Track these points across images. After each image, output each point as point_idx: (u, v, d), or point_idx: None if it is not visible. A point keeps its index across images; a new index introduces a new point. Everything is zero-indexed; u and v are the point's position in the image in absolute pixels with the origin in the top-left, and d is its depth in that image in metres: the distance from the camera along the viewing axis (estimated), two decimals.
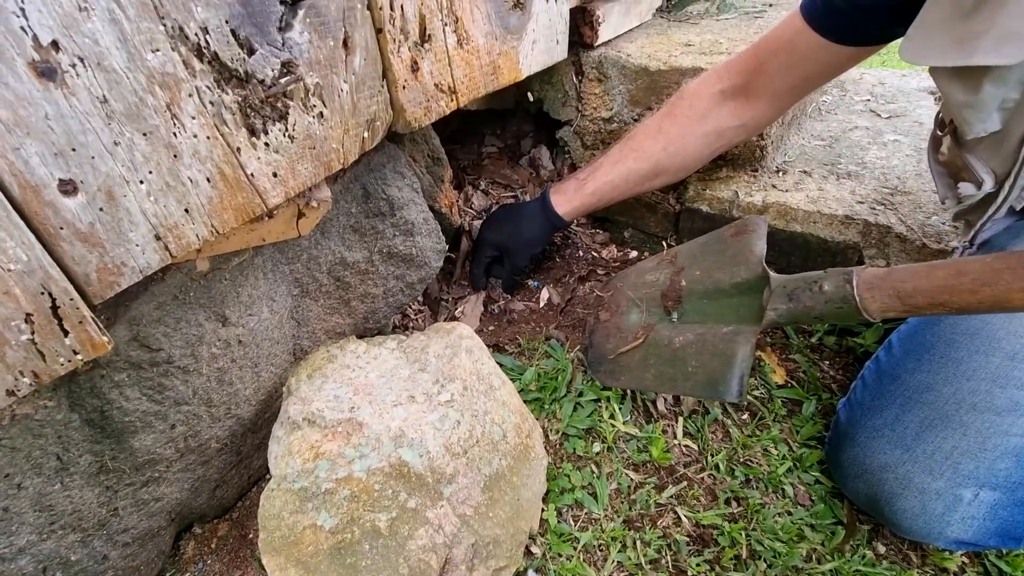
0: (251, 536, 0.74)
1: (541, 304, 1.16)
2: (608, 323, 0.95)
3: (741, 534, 0.75)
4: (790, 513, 0.79)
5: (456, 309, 1.11)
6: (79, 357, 0.42)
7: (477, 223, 1.23)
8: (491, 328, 1.08)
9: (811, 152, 1.28)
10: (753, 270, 0.74)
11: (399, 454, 0.62)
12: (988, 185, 0.71)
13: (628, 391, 0.92)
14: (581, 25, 1.15)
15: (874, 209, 1.04)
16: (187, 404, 0.62)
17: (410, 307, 1.06)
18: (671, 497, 0.79)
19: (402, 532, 0.58)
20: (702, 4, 1.58)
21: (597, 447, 0.85)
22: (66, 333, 0.40)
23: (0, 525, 0.49)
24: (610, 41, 1.25)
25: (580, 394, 0.92)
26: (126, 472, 0.59)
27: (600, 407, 0.90)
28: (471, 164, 1.38)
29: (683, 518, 0.77)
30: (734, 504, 0.80)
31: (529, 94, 1.30)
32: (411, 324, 1.06)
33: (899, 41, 0.68)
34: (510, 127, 1.48)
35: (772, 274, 0.70)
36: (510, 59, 0.81)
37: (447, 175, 1.14)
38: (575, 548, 0.72)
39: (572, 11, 1.08)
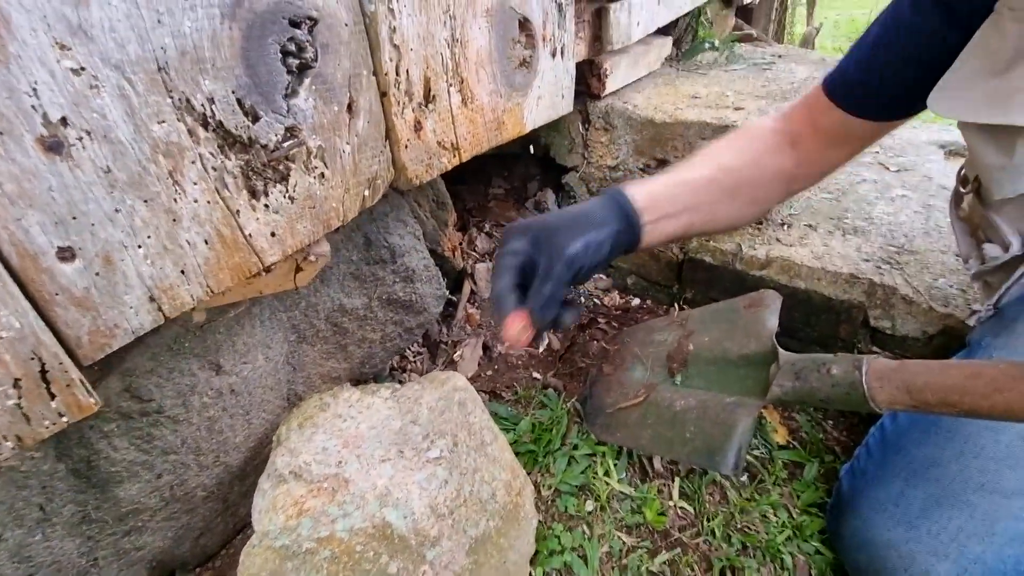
0: None
1: (540, 349, 1.15)
2: (610, 377, 0.94)
3: None
4: None
5: (455, 353, 1.11)
6: (64, 419, 0.42)
7: (480, 266, 1.24)
8: (488, 373, 1.08)
9: (817, 205, 1.28)
10: (763, 344, 0.73)
11: (383, 514, 0.61)
12: (1016, 248, 0.68)
13: (625, 449, 0.91)
14: (589, 77, 1.18)
15: (880, 268, 1.03)
16: (175, 453, 0.62)
17: (408, 349, 1.06)
18: (664, 563, 0.77)
19: None
20: (711, 55, 1.62)
21: (590, 506, 0.83)
22: (53, 397, 0.41)
23: None
24: (618, 91, 1.27)
25: (575, 447, 0.91)
26: (109, 522, 0.59)
27: (595, 462, 0.89)
28: (477, 206, 1.39)
29: None
30: (729, 574, 0.77)
31: (531, 147, 1.32)
32: (409, 366, 1.06)
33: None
34: (517, 170, 1.50)
35: (781, 351, 0.69)
36: (514, 115, 0.83)
37: (451, 219, 1.15)
38: None
39: (580, 64, 1.11)
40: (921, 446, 0.73)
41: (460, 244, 1.20)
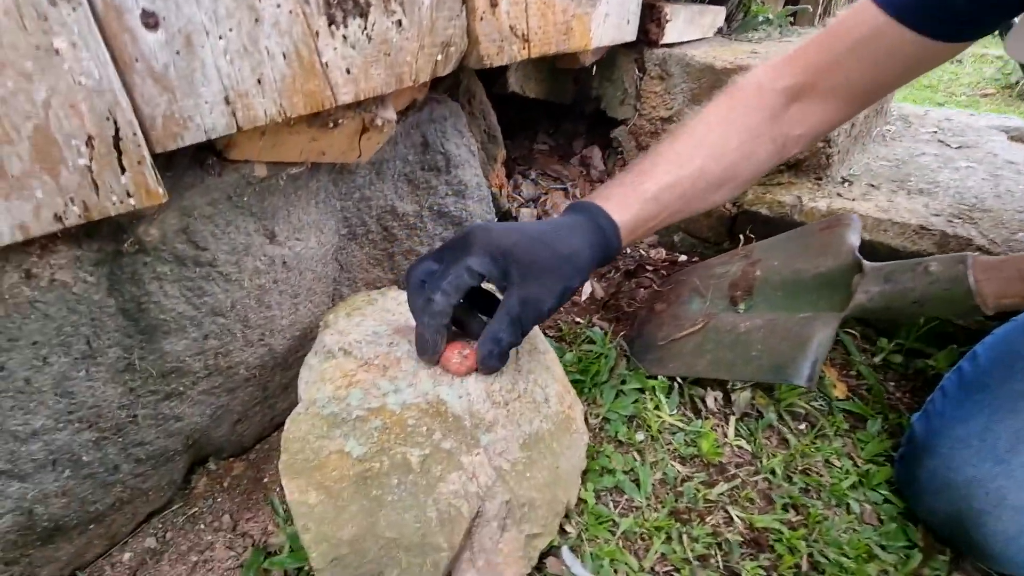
0: (266, 480, 0.69)
1: (583, 298, 1.11)
2: (663, 313, 0.90)
3: (801, 543, 0.66)
4: (856, 530, 0.70)
5: None
6: (132, 201, 0.40)
7: (524, 211, 1.21)
8: None
9: (877, 170, 1.23)
10: (843, 259, 0.68)
11: (437, 392, 0.57)
12: None
13: (676, 384, 0.86)
14: (648, 22, 1.16)
15: (951, 222, 0.97)
16: (223, 316, 0.59)
17: None
18: (722, 495, 0.71)
19: (434, 472, 0.52)
20: (763, 31, 1.58)
21: (640, 435, 0.78)
22: (123, 170, 0.38)
23: (20, 398, 0.46)
24: (673, 45, 1.24)
25: (623, 381, 0.86)
26: (152, 376, 0.56)
27: (644, 397, 0.84)
28: (522, 156, 1.37)
29: (735, 518, 0.69)
30: (792, 511, 0.71)
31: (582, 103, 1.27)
32: None
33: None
34: (563, 126, 1.47)
35: (866, 262, 0.65)
36: (583, 24, 0.80)
37: (500, 155, 1.13)
38: (613, 533, 0.65)
39: (641, 4, 1.09)
40: (1007, 382, 0.67)
41: (506, 185, 1.17)
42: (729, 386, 0.89)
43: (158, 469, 0.62)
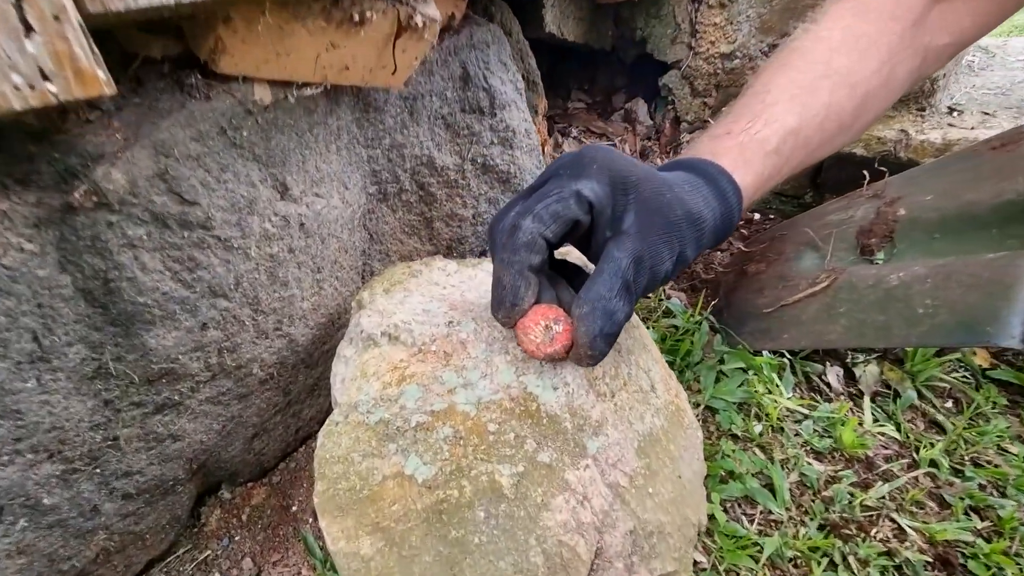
0: (295, 509, 0.54)
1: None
2: (761, 275, 0.73)
3: (1008, 560, 0.50)
4: None
5: None
6: (51, 88, 0.24)
7: None
8: None
9: (982, 98, 1.04)
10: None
11: (524, 384, 0.41)
12: None
13: (787, 361, 0.69)
14: None
15: None
16: (226, 298, 0.44)
17: None
18: (882, 499, 0.55)
19: (532, 497, 0.37)
20: None
21: (758, 426, 0.62)
22: (28, 29, 0.23)
23: None
24: None
25: (721, 361, 0.70)
26: (134, 383, 0.41)
27: (751, 379, 0.67)
28: (557, 115, 1.20)
29: (907, 529, 0.53)
30: (976, 517, 0.55)
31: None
32: None
33: None
34: (600, 81, 1.30)
35: None
36: None
37: (542, 105, 0.97)
38: (756, 559, 0.49)
39: None
40: None
41: (547, 142, 1.01)
42: (849, 359, 0.72)
43: (155, 505, 0.47)
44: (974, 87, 1.11)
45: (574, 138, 1.11)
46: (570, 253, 0.54)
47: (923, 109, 0.95)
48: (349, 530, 0.34)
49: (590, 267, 0.45)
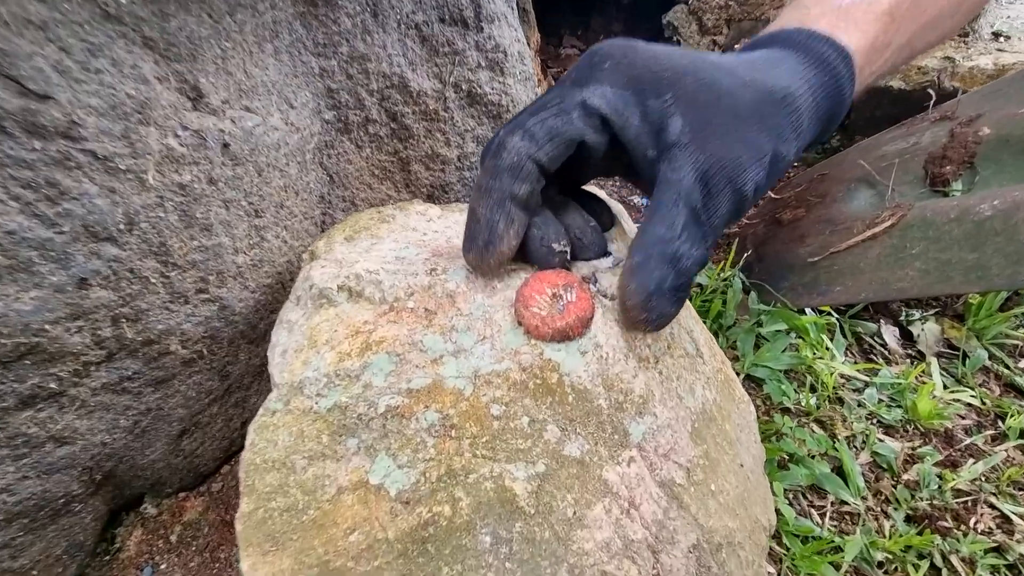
0: None
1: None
2: (800, 221, 0.62)
3: None
4: None
5: None
6: None
7: None
8: None
9: (1021, 27, 0.94)
10: None
11: (538, 347, 0.29)
12: None
13: (837, 319, 0.59)
14: None
15: None
16: (114, 243, 0.31)
17: None
18: (976, 480, 0.45)
19: (560, 508, 0.25)
20: None
21: (812, 397, 0.51)
22: None
23: None
24: None
25: (758, 323, 0.59)
26: None
27: (796, 342, 0.57)
28: (549, 60, 1.07)
29: (1012, 516, 0.43)
30: None
31: None
32: None
33: None
34: (594, 27, 1.17)
35: None
36: None
37: (534, 38, 0.84)
38: (838, 567, 0.38)
39: None
40: None
41: (542, 82, 0.88)
42: (904, 317, 0.62)
43: (40, 532, 0.35)
44: (1012, 16, 1.00)
45: None
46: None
47: (966, 35, 0.84)
48: (284, 574, 0.23)
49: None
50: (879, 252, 0.52)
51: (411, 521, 0.23)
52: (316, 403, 0.28)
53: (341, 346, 0.30)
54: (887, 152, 0.59)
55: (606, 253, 0.36)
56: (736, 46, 0.97)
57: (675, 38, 1.03)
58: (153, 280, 0.34)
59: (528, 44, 0.81)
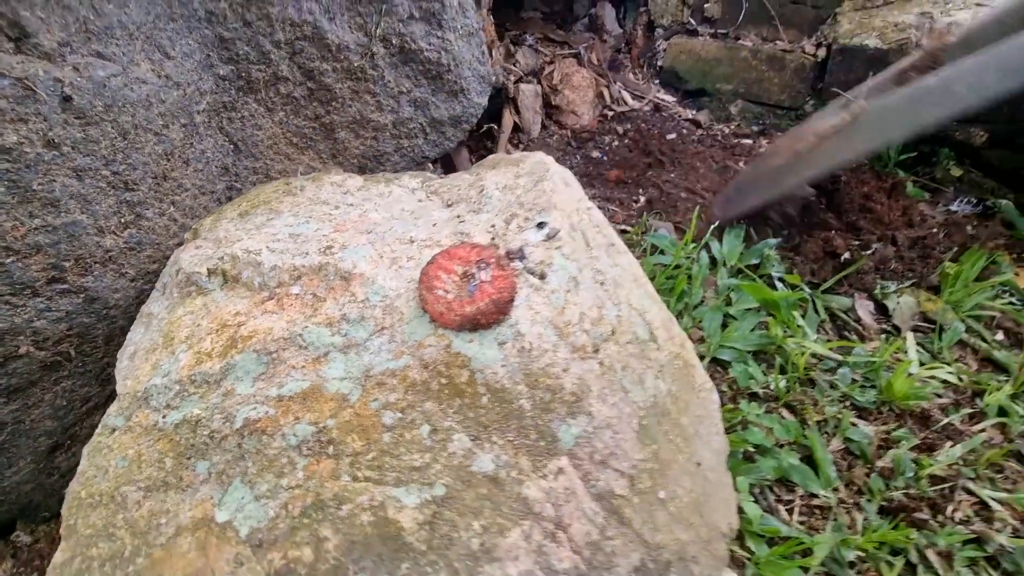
0: None
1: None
2: (778, 145, 0.59)
3: None
4: None
5: None
6: None
7: (526, 88, 0.86)
8: None
9: None
10: None
11: (446, 338, 0.24)
12: None
13: (809, 294, 0.55)
14: None
15: None
16: None
17: (431, 169, 0.69)
18: (953, 465, 0.41)
19: (462, 539, 0.20)
20: None
21: (782, 380, 0.47)
22: None
23: None
24: None
25: (727, 301, 0.54)
26: None
27: (766, 320, 0.53)
28: (509, 23, 1.00)
29: (991, 502, 0.39)
30: None
31: None
32: None
33: None
34: None
35: None
36: None
37: None
38: (806, 570, 0.34)
39: None
40: None
41: (496, 48, 0.81)
42: (878, 290, 0.58)
43: None
44: None
45: (529, 46, 0.91)
46: None
47: None
48: None
49: None
50: (836, 138, 0.49)
51: (259, 572, 0.18)
52: (163, 417, 0.22)
53: (202, 344, 0.24)
54: (863, 89, 0.56)
55: (540, 224, 0.31)
56: (706, 4, 0.91)
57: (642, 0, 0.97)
58: None
59: (480, 1, 0.74)
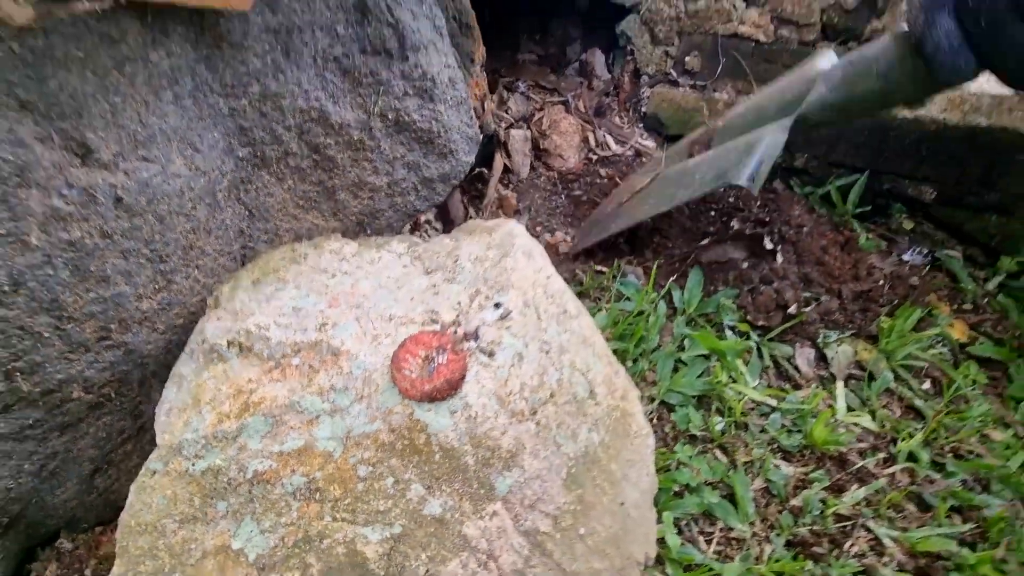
0: None
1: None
2: (612, 194, 0.77)
3: (993, 573, 0.43)
4: None
5: None
6: None
7: (515, 133, 0.93)
8: None
9: None
10: (808, 81, 0.57)
11: (409, 407, 0.31)
12: None
13: (754, 345, 0.61)
14: None
15: None
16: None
17: (426, 224, 0.76)
18: (858, 504, 0.48)
19: (411, 568, 0.27)
20: None
21: (719, 423, 0.54)
22: None
23: None
24: None
25: (680, 347, 0.61)
26: None
27: (714, 366, 0.59)
28: (505, 68, 1.07)
29: (886, 540, 0.46)
30: (959, 518, 0.49)
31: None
32: None
33: None
34: (553, 31, 1.17)
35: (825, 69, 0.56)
36: None
37: (479, 53, 0.83)
38: None
39: None
40: None
41: (488, 98, 0.88)
42: (820, 340, 0.65)
43: None
44: None
45: (521, 93, 0.99)
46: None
47: None
48: None
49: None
50: (637, 199, 0.68)
51: None
52: (193, 465, 0.29)
53: (222, 407, 0.31)
54: (680, 148, 0.73)
55: (496, 304, 0.38)
56: (687, 58, 0.98)
57: (629, 47, 1.04)
58: (47, 334, 0.35)
59: (474, 59, 0.82)
